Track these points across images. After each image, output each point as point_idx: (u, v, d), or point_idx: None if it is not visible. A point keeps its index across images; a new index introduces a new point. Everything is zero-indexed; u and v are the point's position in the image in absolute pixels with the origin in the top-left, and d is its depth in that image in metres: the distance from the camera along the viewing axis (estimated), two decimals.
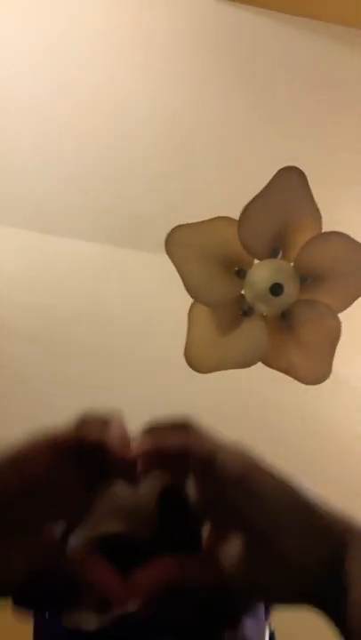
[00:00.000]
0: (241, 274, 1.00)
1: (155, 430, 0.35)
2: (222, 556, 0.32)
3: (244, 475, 0.30)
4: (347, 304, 0.95)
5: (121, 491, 0.35)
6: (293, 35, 1.36)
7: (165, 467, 0.33)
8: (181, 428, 0.35)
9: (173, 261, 0.98)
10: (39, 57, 1.35)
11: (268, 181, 0.95)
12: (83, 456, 0.32)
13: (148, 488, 0.37)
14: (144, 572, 0.31)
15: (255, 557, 0.30)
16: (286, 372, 0.98)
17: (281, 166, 0.87)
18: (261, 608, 0.40)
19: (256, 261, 1.00)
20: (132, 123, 1.43)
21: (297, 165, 0.92)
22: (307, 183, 0.87)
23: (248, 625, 0.38)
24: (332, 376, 0.99)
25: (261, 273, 0.98)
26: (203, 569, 0.32)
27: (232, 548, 0.31)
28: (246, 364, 0.99)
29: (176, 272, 0.94)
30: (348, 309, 0.95)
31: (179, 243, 0.97)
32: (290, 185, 0.87)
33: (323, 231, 0.97)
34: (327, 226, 0.96)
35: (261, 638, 0.40)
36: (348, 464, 1.55)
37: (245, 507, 0.30)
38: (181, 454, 0.32)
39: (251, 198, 0.95)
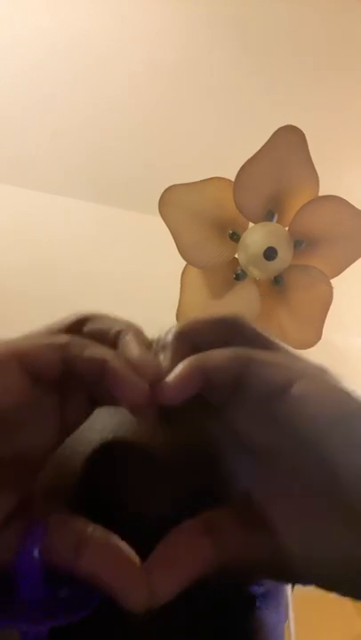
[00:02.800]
0: (235, 237, 0.99)
1: (193, 332, 0.24)
2: (279, 519, 0.23)
3: (337, 424, 0.21)
4: (340, 270, 0.95)
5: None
6: None
7: (213, 391, 0.22)
8: (231, 330, 0.25)
9: (166, 222, 0.96)
10: (21, 5, 1.29)
11: (264, 143, 0.93)
12: (67, 385, 0.23)
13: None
14: (171, 558, 0.22)
15: (326, 521, 0.22)
16: (277, 336, 0.97)
17: (279, 125, 0.85)
18: (281, 588, 0.32)
19: (251, 225, 0.99)
20: (126, 79, 1.38)
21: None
22: (306, 144, 0.84)
23: (265, 608, 0.30)
24: (323, 343, 0.99)
25: (255, 237, 0.96)
26: (252, 541, 0.24)
27: (295, 507, 0.23)
28: None
29: (169, 233, 0.93)
30: (340, 275, 0.95)
31: (172, 203, 0.95)
32: (288, 145, 0.85)
33: (319, 195, 0.96)
34: (327, 193, 0.94)
35: (281, 626, 0.33)
36: None
37: (337, 462, 0.21)
38: (239, 376, 0.22)
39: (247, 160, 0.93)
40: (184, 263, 0.99)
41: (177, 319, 1.02)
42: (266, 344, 0.25)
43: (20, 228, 1.51)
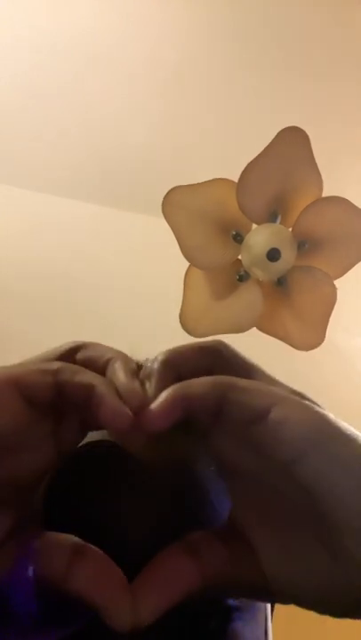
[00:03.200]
0: (238, 238, 0.99)
1: (177, 360, 0.25)
2: (260, 541, 0.24)
3: (314, 446, 0.21)
4: (344, 271, 0.94)
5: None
6: None
7: (197, 416, 0.23)
8: (214, 357, 0.27)
9: (169, 224, 0.96)
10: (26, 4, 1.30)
11: (267, 144, 0.92)
12: (61, 409, 0.24)
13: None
14: (156, 579, 0.22)
15: (308, 547, 0.22)
16: (280, 337, 0.97)
17: (285, 125, 0.84)
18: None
19: (254, 226, 0.98)
20: (126, 78, 1.38)
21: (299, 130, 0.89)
22: (309, 144, 0.84)
23: (241, 620, 0.30)
24: (329, 345, 0.99)
25: (259, 238, 0.96)
26: (234, 563, 0.24)
27: (274, 531, 0.23)
28: (241, 329, 0.99)
29: (171, 235, 0.93)
30: (344, 276, 0.94)
31: (175, 204, 0.95)
32: (291, 146, 0.85)
33: (323, 196, 0.95)
34: (330, 194, 0.94)
35: (262, 635, 0.34)
36: None
37: (313, 484, 0.21)
38: (219, 403, 0.22)
39: (248, 161, 0.93)
40: (187, 264, 0.99)
41: (180, 321, 1.02)
42: (248, 369, 0.28)
43: (20, 230, 1.51)
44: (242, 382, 0.24)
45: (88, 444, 0.28)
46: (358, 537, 0.21)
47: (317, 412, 0.23)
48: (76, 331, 1.43)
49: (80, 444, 0.29)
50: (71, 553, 0.23)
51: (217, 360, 0.26)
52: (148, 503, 0.27)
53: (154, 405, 0.23)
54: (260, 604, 0.32)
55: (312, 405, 0.23)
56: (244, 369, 0.26)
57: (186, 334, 1.05)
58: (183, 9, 1.31)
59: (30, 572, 0.22)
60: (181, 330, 1.05)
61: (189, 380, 0.24)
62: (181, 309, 1.06)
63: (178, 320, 1.05)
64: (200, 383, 0.24)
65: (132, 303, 1.51)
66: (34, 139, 1.48)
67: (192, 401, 0.23)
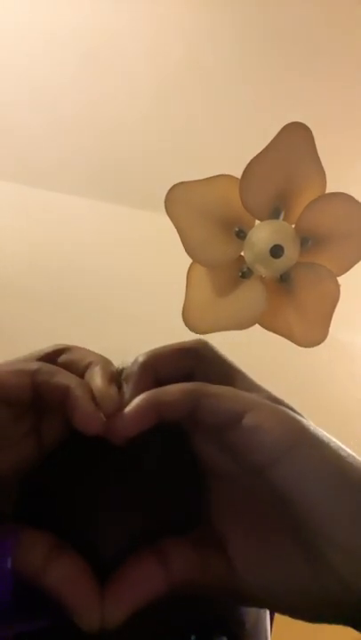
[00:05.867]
0: (241, 234, 0.98)
1: (156, 362, 0.24)
2: (236, 545, 0.23)
3: (287, 452, 0.21)
4: (347, 267, 0.94)
5: None
6: None
7: (173, 422, 0.23)
8: (195, 358, 0.26)
9: (172, 220, 0.95)
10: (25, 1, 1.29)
11: (271, 139, 0.92)
12: (41, 407, 0.25)
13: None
14: (124, 584, 0.22)
15: (289, 552, 0.22)
16: (283, 334, 0.97)
17: (285, 123, 0.84)
18: (259, 628, 0.34)
19: (257, 222, 0.98)
20: (126, 73, 1.37)
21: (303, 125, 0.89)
22: (313, 140, 0.84)
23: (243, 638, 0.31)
24: (332, 342, 0.98)
25: (262, 234, 0.95)
26: (206, 568, 0.24)
27: (251, 537, 0.23)
28: (244, 325, 0.99)
29: (171, 230, 0.92)
30: (348, 273, 0.94)
31: (178, 200, 0.94)
32: (295, 142, 0.84)
33: (327, 192, 0.95)
34: (334, 190, 0.93)
35: None
36: (348, 429, 1.57)
37: (287, 489, 0.21)
38: (192, 410, 0.22)
39: (251, 156, 0.92)
40: (189, 261, 0.98)
41: (183, 317, 1.02)
42: (229, 372, 0.28)
43: (22, 227, 1.51)
44: (215, 389, 0.23)
45: (70, 441, 0.28)
46: (334, 543, 0.21)
47: (292, 419, 0.22)
48: (77, 326, 1.42)
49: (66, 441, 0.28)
50: (48, 550, 0.23)
51: (197, 362, 0.26)
52: (125, 506, 0.27)
53: (126, 411, 0.23)
54: (261, 619, 0.32)
55: (288, 412, 0.23)
56: (225, 372, 0.26)
57: (188, 331, 1.04)
58: (184, 8, 1.30)
59: (8, 563, 0.22)
60: (184, 326, 1.04)
61: (164, 386, 0.23)
62: (184, 306, 1.05)
63: (180, 317, 1.05)
64: (172, 391, 0.23)
65: (134, 300, 1.51)
66: (35, 137, 1.48)
67: (165, 407, 0.23)
